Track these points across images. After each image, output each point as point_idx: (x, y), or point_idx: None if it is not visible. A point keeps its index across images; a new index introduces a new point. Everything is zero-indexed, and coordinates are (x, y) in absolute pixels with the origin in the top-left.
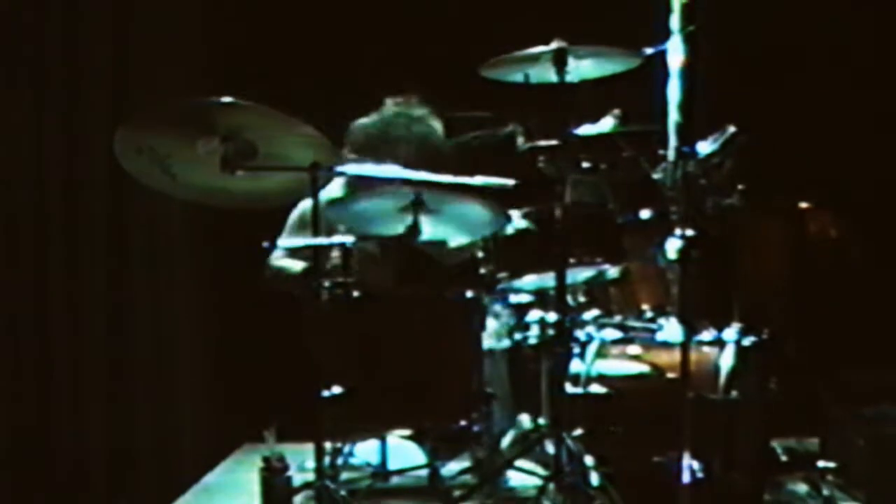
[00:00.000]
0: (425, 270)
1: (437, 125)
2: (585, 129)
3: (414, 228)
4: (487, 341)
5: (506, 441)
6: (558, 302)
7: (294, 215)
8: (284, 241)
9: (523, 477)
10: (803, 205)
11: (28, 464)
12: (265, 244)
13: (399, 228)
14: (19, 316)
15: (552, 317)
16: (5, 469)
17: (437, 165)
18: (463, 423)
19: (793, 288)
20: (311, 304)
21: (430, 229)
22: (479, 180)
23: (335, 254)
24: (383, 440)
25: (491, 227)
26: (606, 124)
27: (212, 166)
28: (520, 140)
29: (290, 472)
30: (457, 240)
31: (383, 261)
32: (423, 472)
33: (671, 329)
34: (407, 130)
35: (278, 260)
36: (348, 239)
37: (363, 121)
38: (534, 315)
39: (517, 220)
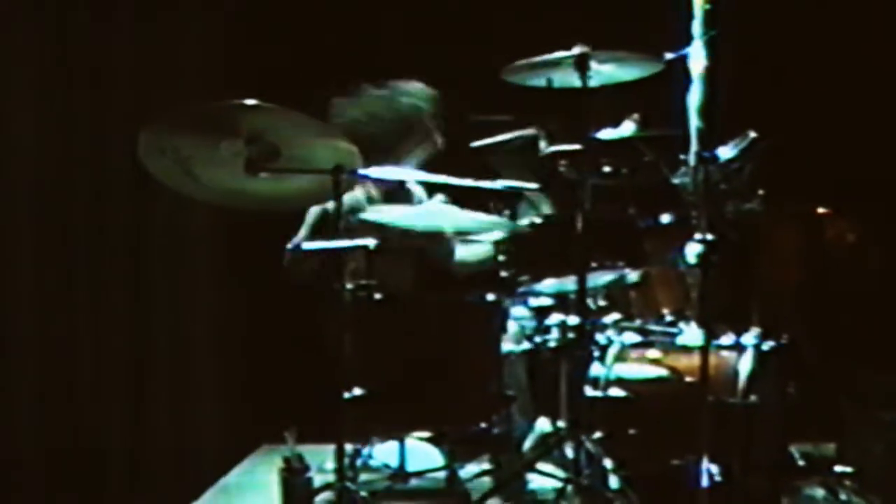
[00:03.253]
0: (445, 273)
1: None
2: (606, 134)
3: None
4: (506, 345)
5: (527, 444)
6: (578, 305)
7: (315, 209)
8: (305, 239)
9: (542, 480)
10: (821, 210)
11: (50, 464)
12: (288, 247)
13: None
14: (43, 317)
15: (572, 320)
16: (29, 470)
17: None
18: (482, 425)
19: (810, 292)
20: (330, 302)
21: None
22: (501, 184)
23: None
24: (402, 442)
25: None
26: (627, 128)
27: (234, 168)
28: (542, 144)
29: (310, 473)
30: (466, 253)
31: (404, 263)
32: (442, 474)
33: (691, 333)
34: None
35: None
36: (370, 242)
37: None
38: (554, 318)
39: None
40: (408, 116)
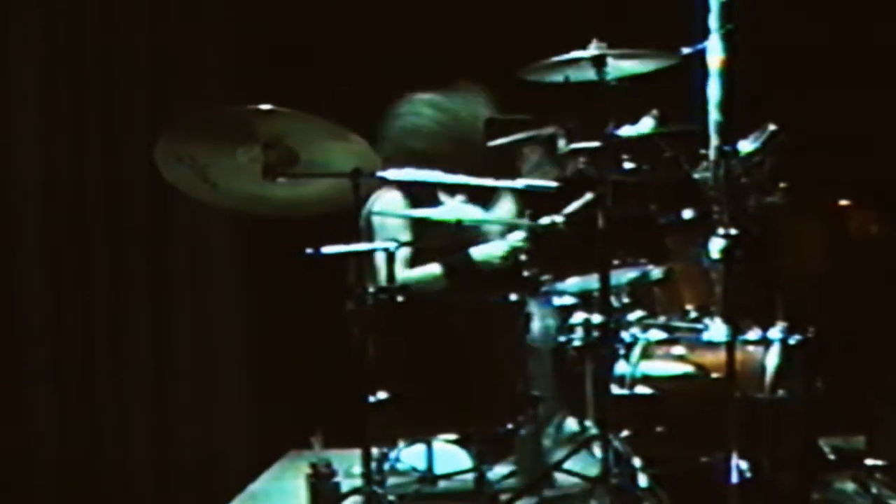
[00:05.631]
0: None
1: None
2: (626, 131)
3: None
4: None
5: (546, 441)
6: (602, 303)
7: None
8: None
9: (571, 479)
10: (843, 202)
11: (74, 472)
12: (308, 251)
13: None
14: (63, 324)
15: (597, 318)
16: (51, 478)
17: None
18: (509, 426)
19: (834, 285)
20: (353, 305)
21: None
22: (522, 182)
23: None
24: (429, 445)
25: None
26: (645, 124)
27: (252, 174)
28: (561, 142)
29: (338, 478)
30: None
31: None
32: (470, 476)
33: (716, 329)
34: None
35: None
36: (392, 245)
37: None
38: (578, 317)
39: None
40: (465, 125)
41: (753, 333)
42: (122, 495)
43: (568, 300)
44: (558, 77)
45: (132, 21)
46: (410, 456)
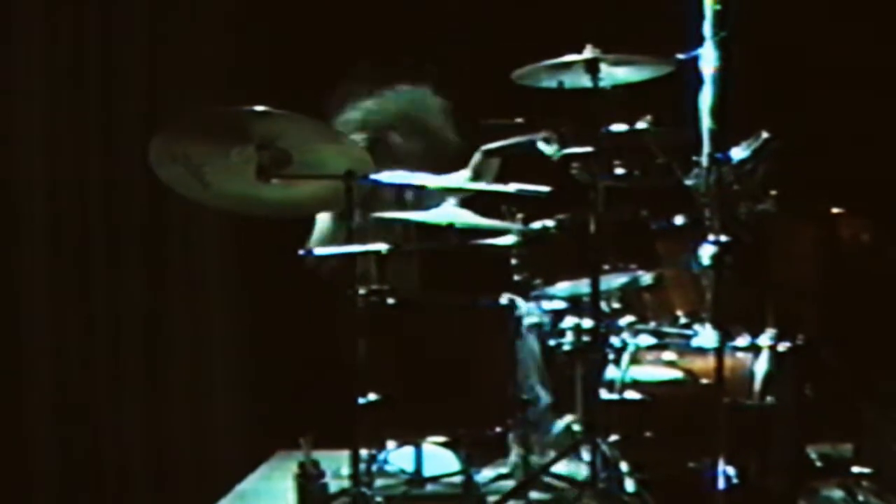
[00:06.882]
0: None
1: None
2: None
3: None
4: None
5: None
6: (593, 308)
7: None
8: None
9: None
10: (836, 210)
11: (66, 473)
12: (301, 252)
13: None
14: (59, 325)
15: (587, 323)
16: (45, 479)
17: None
18: (498, 429)
19: (826, 292)
20: (343, 308)
21: None
22: (513, 187)
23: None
24: (418, 447)
25: None
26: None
27: (245, 175)
28: (554, 146)
29: (326, 479)
30: None
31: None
32: (458, 479)
33: (706, 335)
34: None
35: None
36: (383, 247)
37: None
38: (568, 321)
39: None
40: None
41: (743, 340)
42: (114, 494)
43: (558, 304)
44: (552, 82)
45: (132, 21)
46: (399, 458)
